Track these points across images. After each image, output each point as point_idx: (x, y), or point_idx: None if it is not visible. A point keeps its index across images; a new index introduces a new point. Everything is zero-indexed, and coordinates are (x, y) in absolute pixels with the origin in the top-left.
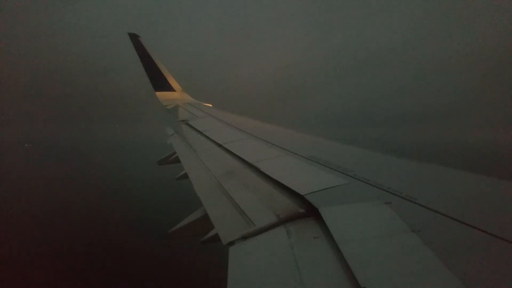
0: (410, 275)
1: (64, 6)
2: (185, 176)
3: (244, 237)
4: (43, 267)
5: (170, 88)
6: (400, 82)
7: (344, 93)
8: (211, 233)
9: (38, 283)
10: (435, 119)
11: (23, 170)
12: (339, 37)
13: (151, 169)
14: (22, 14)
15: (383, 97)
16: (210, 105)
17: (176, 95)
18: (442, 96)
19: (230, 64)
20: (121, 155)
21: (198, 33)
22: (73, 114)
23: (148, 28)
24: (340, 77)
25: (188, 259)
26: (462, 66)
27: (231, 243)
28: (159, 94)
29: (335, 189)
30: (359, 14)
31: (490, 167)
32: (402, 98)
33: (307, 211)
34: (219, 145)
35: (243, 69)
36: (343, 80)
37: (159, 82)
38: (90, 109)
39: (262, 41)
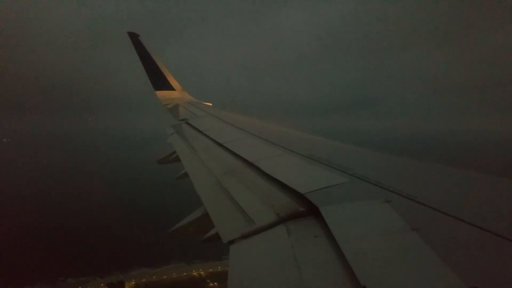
0: (410, 273)
1: None
2: (185, 175)
3: (245, 236)
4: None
5: (170, 87)
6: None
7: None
8: (212, 232)
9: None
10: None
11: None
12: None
13: (151, 169)
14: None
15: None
16: (210, 104)
17: (176, 94)
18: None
19: None
20: (121, 155)
21: None
22: (69, 111)
23: None
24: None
25: (188, 257)
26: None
27: (232, 242)
28: (159, 93)
29: (335, 187)
30: None
31: (489, 164)
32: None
33: (307, 209)
34: (219, 144)
35: None
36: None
37: (159, 81)
38: (85, 106)
39: None
